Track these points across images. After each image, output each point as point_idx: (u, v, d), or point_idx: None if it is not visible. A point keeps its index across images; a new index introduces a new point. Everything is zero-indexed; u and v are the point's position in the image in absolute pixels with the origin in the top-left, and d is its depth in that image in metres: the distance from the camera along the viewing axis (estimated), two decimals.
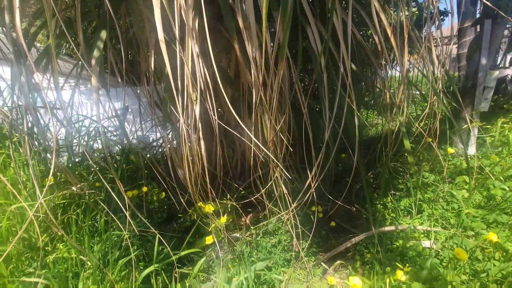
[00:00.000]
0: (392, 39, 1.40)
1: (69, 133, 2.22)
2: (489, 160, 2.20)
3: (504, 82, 4.15)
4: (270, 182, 1.51)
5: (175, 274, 1.39)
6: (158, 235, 1.35)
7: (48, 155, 1.78)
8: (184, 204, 1.50)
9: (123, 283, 1.31)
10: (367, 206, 1.91)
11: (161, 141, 2.69)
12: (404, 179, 2.25)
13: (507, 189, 1.80)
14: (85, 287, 1.24)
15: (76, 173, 2.00)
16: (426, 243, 1.58)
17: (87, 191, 1.63)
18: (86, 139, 2.45)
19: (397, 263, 1.41)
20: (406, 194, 2.09)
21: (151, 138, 2.85)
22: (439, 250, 1.49)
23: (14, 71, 1.25)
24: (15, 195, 1.47)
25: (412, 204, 1.93)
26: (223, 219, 1.60)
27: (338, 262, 1.67)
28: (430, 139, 1.86)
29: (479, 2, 2.78)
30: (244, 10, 1.15)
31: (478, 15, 2.80)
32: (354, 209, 2.25)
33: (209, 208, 1.55)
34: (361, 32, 2.62)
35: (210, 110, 1.19)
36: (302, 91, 1.48)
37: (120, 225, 1.28)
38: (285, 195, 1.51)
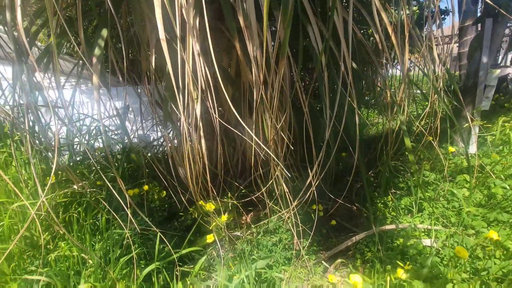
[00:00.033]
0: (393, 38, 1.40)
1: (70, 132, 2.23)
2: (490, 158, 2.20)
3: (505, 81, 4.15)
4: (271, 181, 1.51)
5: (176, 272, 1.40)
6: (159, 233, 1.36)
7: (49, 153, 1.78)
8: (185, 202, 1.50)
9: (124, 281, 1.31)
10: (368, 205, 1.91)
11: (161, 140, 2.70)
12: (404, 178, 2.25)
13: (508, 187, 1.80)
14: (86, 285, 1.25)
15: (77, 171, 2.00)
16: (426, 242, 1.58)
17: (88, 190, 1.64)
18: (87, 138, 2.46)
19: (397, 262, 1.41)
20: (407, 193, 2.09)
21: (151, 137, 2.86)
22: (440, 249, 1.49)
23: (15, 69, 1.25)
24: (16, 194, 1.47)
25: (413, 202, 1.94)
26: (224, 217, 1.60)
27: (339, 260, 1.68)
28: (431, 138, 1.86)
29: (480, 0, 2.78)
30: (245, 9, 1.15)
31: (479, 14, 2.79)
32: (355, 208, 2.25)
33: (210, 206, 1.55)
34: (362, 31, 2.61)
35: (211, 109, 1.19)
36: (303, 90, 1.48)
37: (121, 223, 1.28)
38: (286, 193, 1.51)
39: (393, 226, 1.73)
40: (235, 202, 1.78)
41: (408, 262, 1.28)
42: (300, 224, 1.59)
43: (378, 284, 1.31)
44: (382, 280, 1.34)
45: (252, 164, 1.51)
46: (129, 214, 1.16)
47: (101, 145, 2.51)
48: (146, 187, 1.87)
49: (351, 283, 1.16)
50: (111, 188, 1.14)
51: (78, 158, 2.25)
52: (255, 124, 1.35)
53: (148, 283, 1.38)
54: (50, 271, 1.27)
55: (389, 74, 2.81)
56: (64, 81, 2.70)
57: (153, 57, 1.43)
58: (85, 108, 3.15)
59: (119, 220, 1.30)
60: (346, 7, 1.75)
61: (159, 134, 2.73)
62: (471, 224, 1.65)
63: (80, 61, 2.00)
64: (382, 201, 2.14)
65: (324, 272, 1.68)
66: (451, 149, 2.16)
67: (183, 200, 1.46)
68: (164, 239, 1.32)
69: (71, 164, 2.13)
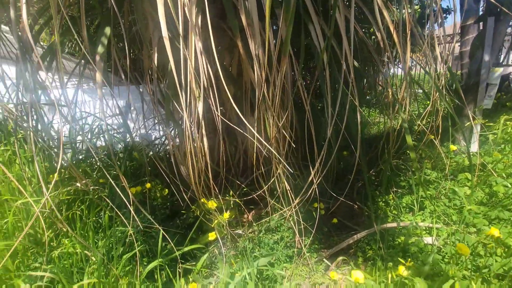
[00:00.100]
0: (394, 36, 1.40)
1: (73, 130, 2.24)
2: (491, 157, 2.20)
3: (507, 80, 4.13)
4: (273, 179, 1.52)
5: (178, 270, 1.41)
6: (161, 231, 1.37)
7: (52, 152, 1.79)
8: (187, 200, 1.51)
9: (127, 278, 1.32)
10: (369, 203, 1.92)
11: (163, 138, 2.71)
12: (406, 176, 2.25)
13: (509, 185, 1.81)
14: (90, 281, 1.26)
15: (80, 170, 2.01)
16: (428, 240, 1.59)
17: (91, 187, 1.65)
18: (89, 136, 2.47)
19: (399, 259, 1.42)
20: (408, 191, 2.09)
21: (153, 136, 2.87)
22: (441, 246, 1.49)
23: (19, 68, 1.26)
24: (20, 191, 1.48)
25: (414, 201, 1.94)
26: (226, 215, 1.61)
27: (340, 258, 1.68)
28: (432, 136, 1.86)
29: None
30: (247, 8, 1.15)
31: (481, 13, 2.78)
32: (356, 206, 2.25)
33: (212, 204, 1.56)
34: (364, 29, 2.61)
35: (213, 107, 1.20)
36: (304, 89, 1.49)
37: (124, 220, 1.29)
38: (288, 192, 1.52)
39: (394, 224, 1.74)
40: (237, 200, 1.79)
41: (409, 260, 1.28)
42: (301, 222, 1.60)
43: (380, 281, 1.32)
44: (384, 277, 1.35)
45: (254, 162, 1.52)
46: (132, 212, 1.17)
47: (104, 144, 2.53)
48: (148, 185, 1.88)
49: (353, 280, 1.17)
50: (114, 185, 1.15)
51: (80, 156, 2.27)
52: (257, 122, 1.35)
53: (151, 280, 1.39)
54: (54, 268, 1.28)
55: (391, 72, 2.82)
56: (66, 80, 2.71)
57: (156, 55, 1.44)
58: (87, 107, 3.16)
59: (122, 218, 1.31)
60: (348, 5, 1.75)
61: (161, 132, 2.75)
62: (472, 222, 1.65)
63: (82, 60, 2.01)
64: (383, 200, 2.15)
65: (326, 270, 1.69)
66: (453, 147, 2.16)
67: (185, 198, 1.46)
68: (167, 237, 1.32)
69: (74, 162, 2.15)
